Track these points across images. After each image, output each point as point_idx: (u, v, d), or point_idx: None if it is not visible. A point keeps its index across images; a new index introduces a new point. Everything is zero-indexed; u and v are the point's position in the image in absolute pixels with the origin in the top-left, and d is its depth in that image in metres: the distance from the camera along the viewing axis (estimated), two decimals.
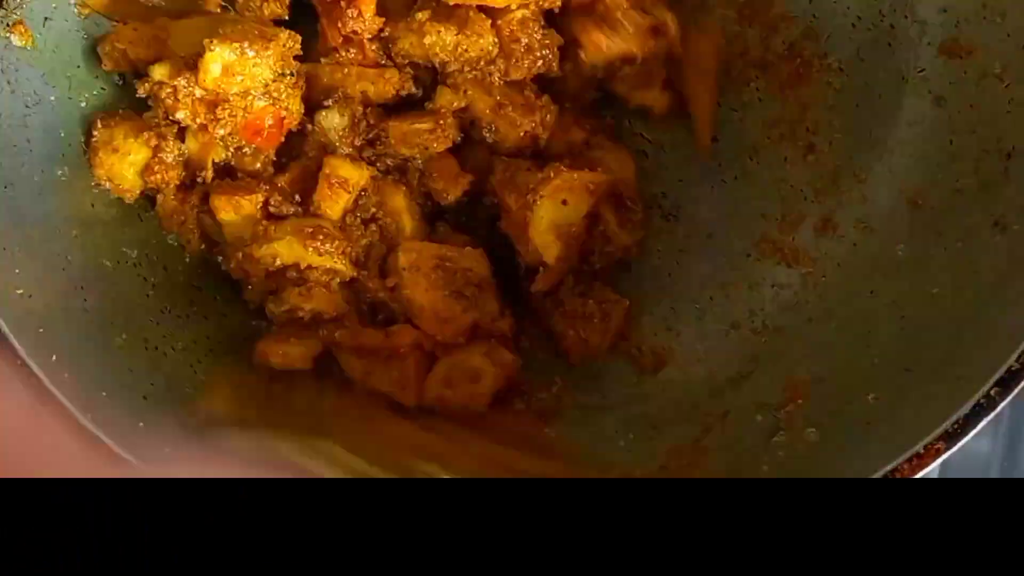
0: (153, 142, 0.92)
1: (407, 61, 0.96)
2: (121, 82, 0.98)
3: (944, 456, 0.73)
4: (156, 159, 0.93)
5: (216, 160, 0.95)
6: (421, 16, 0.93)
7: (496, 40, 0.93)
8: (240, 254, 0.93)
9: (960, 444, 0.73)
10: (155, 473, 0.78)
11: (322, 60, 0.96)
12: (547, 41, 0.95)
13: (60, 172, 0.92)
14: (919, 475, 0.74)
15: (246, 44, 0.87)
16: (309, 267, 0.92)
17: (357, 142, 0.95)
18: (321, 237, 0.91)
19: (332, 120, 0.95)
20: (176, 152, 0.93)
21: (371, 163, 0.96)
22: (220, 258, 0.97)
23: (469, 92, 0.95)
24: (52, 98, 0.93)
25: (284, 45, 0.90)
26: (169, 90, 0.90)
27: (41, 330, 0.82)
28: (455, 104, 0.95)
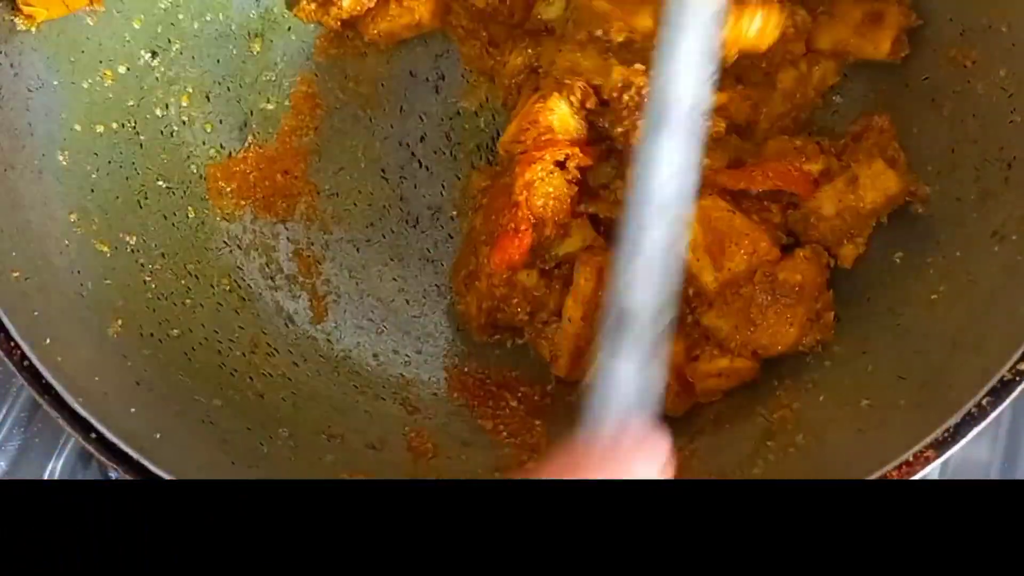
0: None
1: None
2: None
3: (934, 464, 0.73)
4: None
5: None
6: None
7: None
8: None
9: (949, 453, 0.72)
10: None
11: None
12: None
13: (60, 156, 0.93)
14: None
15: None
16: None
17: None
18: None
19: None
20: None
21: None
22: None
23: None
24: (55, 82, 0.93)
25: None
26: None
27: (36, 313, 0.82)
28: None
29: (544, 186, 0.94)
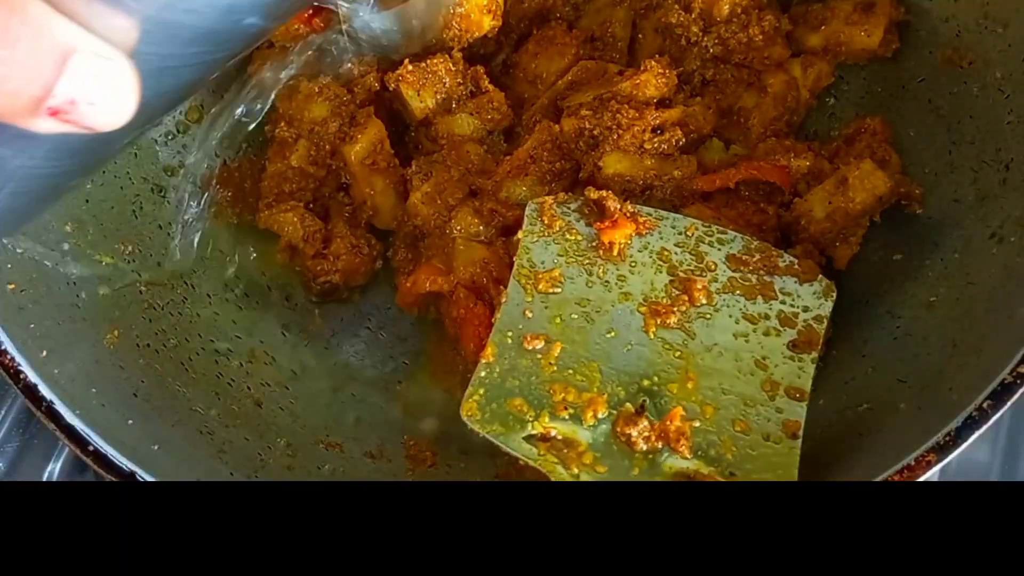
0: None
1: None
2: None
3: (935, 468, 0.72)
4: None
5: None
6: None
7: None
8: None
9: (951, 457, 0.72)
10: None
11: None
12: None
13: None
14: None
15: None
16: None
17: None
18: None
19: None
20: None
21: None
22: None
23: None
24: None
25: None
26: None
27: (32, 326, 0.82)
28: None
29: None
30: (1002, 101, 0.89)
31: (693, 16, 1.00)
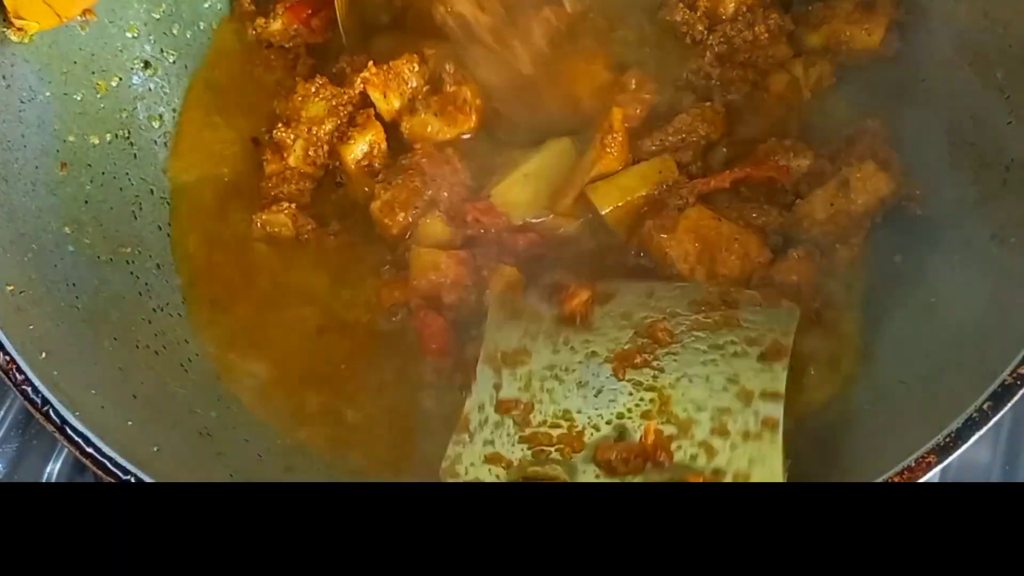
0: None
1: None
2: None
3: (936, 469, 0.72)
4: None
5: None
6: None
7: None
8: None
9: (951, 458, 0.72)
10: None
11: None
12: None
13: (54, 168, 0.92)
14: None
15: None
16: None
17: None
18: None
19: None
20: None
21: None
22: None
23: None
24: (47, 93, 0.93)
25: None
26: None
27: (31, 327, 0.82)
28: None
29: None
30: (1003, 102, 0.89)
31: (698, 14, 1.00)
